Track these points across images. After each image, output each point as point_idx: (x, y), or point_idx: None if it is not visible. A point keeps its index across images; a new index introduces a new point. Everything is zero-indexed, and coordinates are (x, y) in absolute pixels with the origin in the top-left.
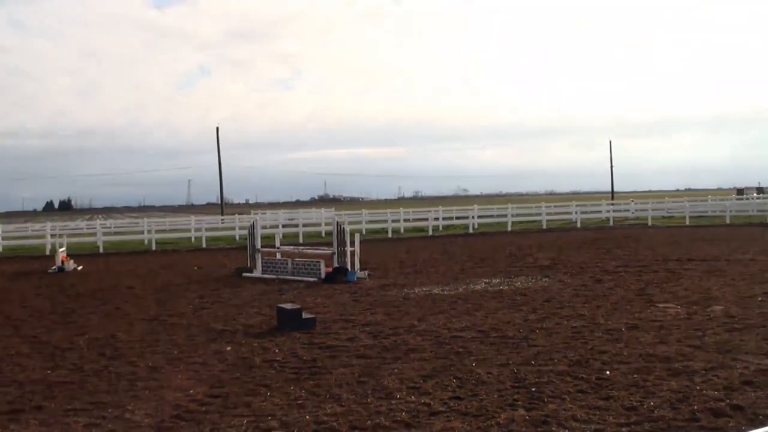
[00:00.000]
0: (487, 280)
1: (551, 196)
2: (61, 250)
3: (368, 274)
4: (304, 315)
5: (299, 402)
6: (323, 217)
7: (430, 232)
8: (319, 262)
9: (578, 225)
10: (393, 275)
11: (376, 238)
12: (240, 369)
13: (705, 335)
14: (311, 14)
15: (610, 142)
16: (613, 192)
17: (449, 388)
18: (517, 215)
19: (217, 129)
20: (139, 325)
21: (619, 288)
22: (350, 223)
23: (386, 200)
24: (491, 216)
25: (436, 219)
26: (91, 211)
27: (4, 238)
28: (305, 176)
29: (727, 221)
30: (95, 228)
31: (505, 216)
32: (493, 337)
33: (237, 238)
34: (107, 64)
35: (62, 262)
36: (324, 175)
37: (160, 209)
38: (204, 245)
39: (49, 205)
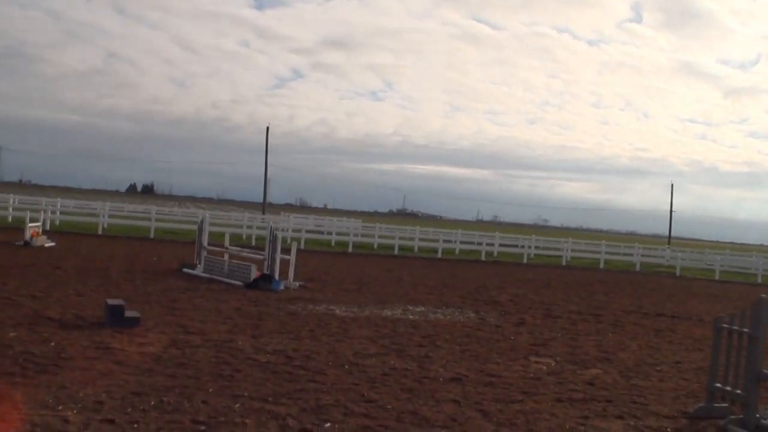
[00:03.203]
0: (411, 307)
1: (630, 236)
2: (32, 224)
3: (300, 285)
4: (128, 313)
5: None
6: (352, 227)
7: (439, 254)
8: (250, 266)
9: (601, 265)
10: (327, 290)
11: (381, 254)
12: None
13: (513, 400)
14: (409, 30)
15: (672, 185)
16: (670, 237)
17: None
18: (538, 248)
19: (267, 129)
20: None
21: (528, 334)
22: (401, 238)
23: (464, 221)
24: (515, 246)
25: (451, 241)
26: (171, 198)
27: None
28: (385, 188)
29: (759, 280)
30: (99, 209)
31: (523, 247)
32: (290, 364)
33: (244, 237)
34: (203, 58)
35: (31, 237)
36: (404, 189)
37: (239, 204)
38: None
39: (131, 188)
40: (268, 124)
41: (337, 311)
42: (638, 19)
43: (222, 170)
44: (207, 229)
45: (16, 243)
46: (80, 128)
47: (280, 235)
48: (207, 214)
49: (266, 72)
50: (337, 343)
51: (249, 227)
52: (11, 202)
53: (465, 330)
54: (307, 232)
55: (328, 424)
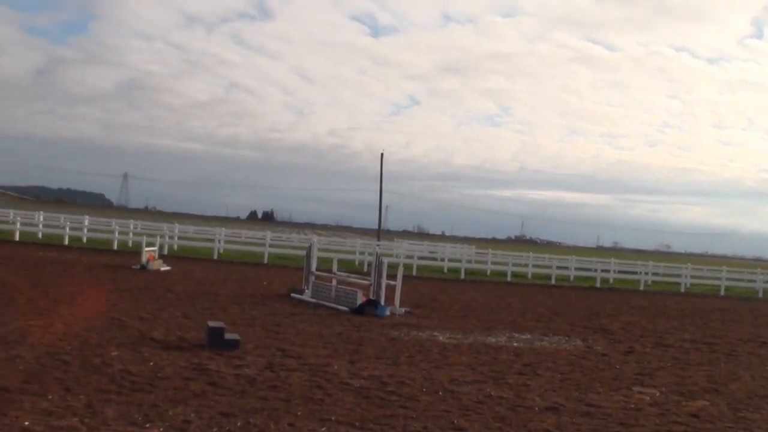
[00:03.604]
0: (516, 335)
1: (757, 262)
2: (149, 249)
3: (406, 311)
4: (228, 336)
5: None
6: (465, 253)
7: (553, 281)
8: (356, 291)
9: (722, 292)
10: (433, 316)
11: (493, 281)
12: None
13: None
14: (523, 53)
15: None
16: None
17: None
18: (656, 274)
19: (382, 156)
20: (85, 319)
21: (635, 363)
22: (515, 264)
23: (584, 247)
24: (632, 272)
25: (565, 267)
26: (290, 225)
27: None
28: (503, 215)
29: None
30: (215, 235)
31: (640, 273)
32: (383, 390)
33: (357, 263)
34: (321, 86)
35: (147, 261)
36: (522, 215)
37: (356, 230)
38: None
39: (252, 215)
40: (382, 151)
41: (440, 338)
42: (759, 35)
43: (340, 197)
44: (315, 254)
45: (133, 267)
46: (203, 156)
47: (385, 260)
48: (315, 240)
49: (383, 99)
50: (434, 370)
51: (362, 253)
52: (131, 227)
53: (569, 358)
54: (419, 258)
55: None
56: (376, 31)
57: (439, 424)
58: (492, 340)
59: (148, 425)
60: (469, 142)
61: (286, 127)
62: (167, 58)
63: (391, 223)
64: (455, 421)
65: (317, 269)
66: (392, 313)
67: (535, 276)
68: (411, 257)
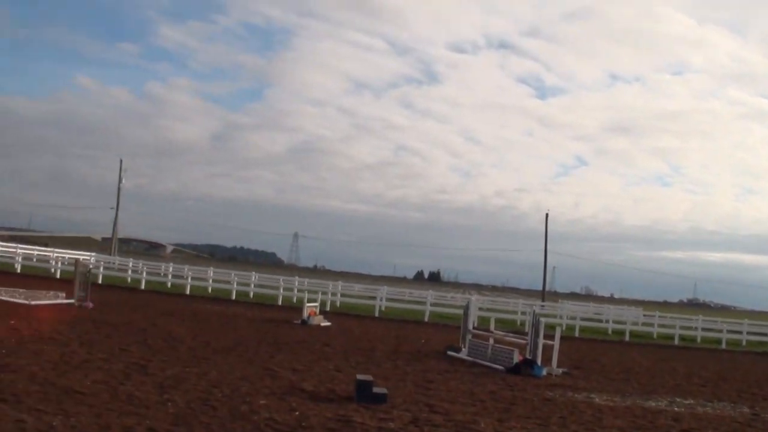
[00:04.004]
0: (679, 399)
1: None
2: (310, 305)
3: (564, 371)
4: (376, 390)
5: None
6: (631, 315)
7: (723, 345)
8: (512, 351)
9: None
10: (591, 377)
11: (659, 344)
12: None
13: None
14: (693, 111)
15: None
16: None
17: None
18: None
19: (546, 215)
20: (239, 368)
21: None
22: (682, 327)
23: (760, 311)
24: None
25: (737, 332)
26: (456, 286)
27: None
28: (675, 277)
29: None
30: (377, 292)
31: None
32: None
33: (518, 323)
34: (488, 148)
35: (308, 316)
36: (695, 278)
37: (522, 292)
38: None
39: (419, 275)
40: (547, 212)
41: (597, 399)
42: None
43: (507, 258)
44: (473, 313)
45: (294, 322)
46: (371, 217)
47: (543, 320)
48: (474, 299)
49: (550, 160)
50: None
51: (523, 313)
52: (296, 284)
53: (733, 425)
54: (582, 319)
55: None
56: (543, 92)
57: None
58: (651, 404)
59: None
60: (639, 202)
61: (453, 188)
62: (337, 122)
63: (559, 285)
64: None
65: (477, 328)
66: (549, 374)
67: (704, 340)
68: (574, 318)
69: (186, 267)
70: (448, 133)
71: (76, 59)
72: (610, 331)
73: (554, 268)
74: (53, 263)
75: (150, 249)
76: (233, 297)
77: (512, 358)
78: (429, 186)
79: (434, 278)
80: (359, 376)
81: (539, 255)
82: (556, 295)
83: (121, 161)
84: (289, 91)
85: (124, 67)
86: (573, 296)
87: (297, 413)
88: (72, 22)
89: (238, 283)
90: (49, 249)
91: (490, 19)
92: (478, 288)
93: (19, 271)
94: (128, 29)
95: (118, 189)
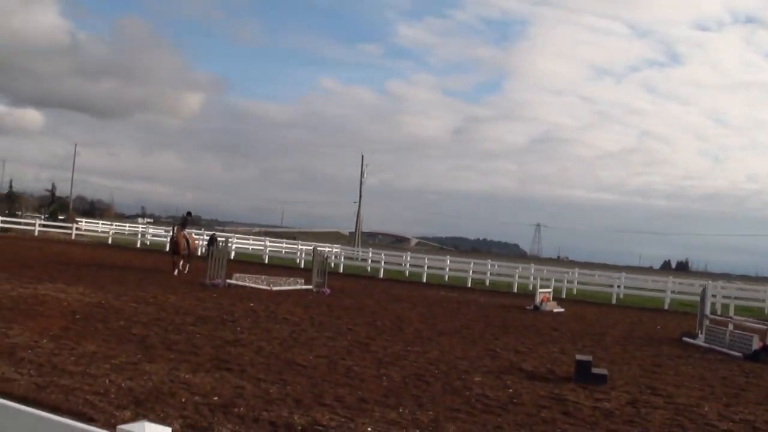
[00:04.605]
0: None
1: None
2: (543, 291)
3: None
4: (595, 370)
5: None
6: None
7: None
8: (752, 336)
9: None
10: None
11: None
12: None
13: None
14: None
15: None
16: None
17: None
18: None
19: None
20: (461, 349)
21: None
22: None
23: None
24: None
25: None
26: (705, 275)
27: (493, 274)
28: None
29: None
30: (615, 280)
31: None
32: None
33: (766, 311)
34: (737, 129)
35: (541, 302)
36: None
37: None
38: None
39: (665, 264)
40: None
41: None
42: None
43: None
44: (709, 299)
45: (527, 307)
46: (615, 206)
47: None
48: (710, 284)
49: None
50: None
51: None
52: (532, 271)
53: None
54: None
55: None
56: None
57: None
58: None
59: None
60: None
61: (700, 174)
62: (577, 110)
63: None
64: None
65: (718, 315)
66: None
67: None
68: None
69: (425, 257)
70: (694, 116)
71: (320, 63)
72: None
73: None
74: (298, 254)
75: (395, 242)
76: (469, 284)
77: (751, 344)
78: (675, 172)
79: (682, 268)
80: (578, 356)
81: None
82: None
83: (362, 157)
84: (528, 81)
85: (364, 67)
86: None
87: (510, 390)
88: (316, 29)
89: (474, 271)
90: (295, 242)
91: None
92: (728, 278)
93: (266, 261)
94: (368, 30)
95: (360, 184)
